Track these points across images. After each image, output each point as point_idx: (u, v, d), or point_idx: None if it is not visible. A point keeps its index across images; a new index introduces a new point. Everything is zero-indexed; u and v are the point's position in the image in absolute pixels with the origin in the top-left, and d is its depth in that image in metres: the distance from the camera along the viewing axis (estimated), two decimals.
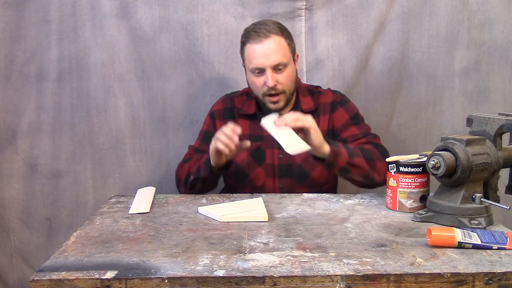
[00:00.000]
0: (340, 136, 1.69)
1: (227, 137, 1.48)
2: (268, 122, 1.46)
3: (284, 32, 1.66)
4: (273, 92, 1.64)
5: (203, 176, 1.62)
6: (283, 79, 1.64)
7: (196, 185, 1.65)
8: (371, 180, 1.57)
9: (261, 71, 1.63)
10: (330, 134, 1.71)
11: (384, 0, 2.00)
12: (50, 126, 2.03)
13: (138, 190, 1.63)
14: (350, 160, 1.49)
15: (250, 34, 1.64)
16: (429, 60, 2.07)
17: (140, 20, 1.99)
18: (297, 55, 1.75)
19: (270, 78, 1.61)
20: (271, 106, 1.67)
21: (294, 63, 1.71)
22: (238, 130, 1.49)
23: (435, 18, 2.04)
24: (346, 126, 1.70)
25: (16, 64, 1.99)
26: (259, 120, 1.67)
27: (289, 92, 1.68)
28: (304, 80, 2.03)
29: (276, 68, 1.63)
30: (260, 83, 1.65)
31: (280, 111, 1.66)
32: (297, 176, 1.70)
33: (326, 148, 1.46)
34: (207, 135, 1.76)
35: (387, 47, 2.05)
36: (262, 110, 1.72)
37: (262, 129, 1.67)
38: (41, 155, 2.04)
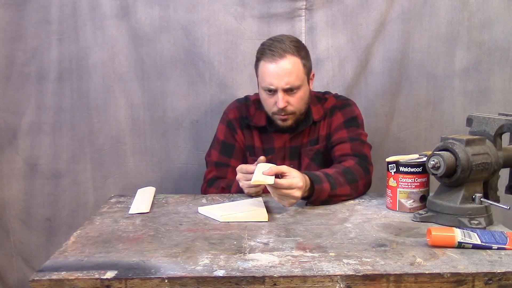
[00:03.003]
0: (331, 139, 1.68)
1: (254, 188, 1.49)
2: (260, 168, 1.40)
3: (301, 52, 1.62)
4: (283, 113, 1.62)
5: None
6: (294, 101, 1.62)
7: None
8: (351, 199, 1.52)
9: (272, 91, 1.61)
10: (327, 138, 1.70)
11: (384, 0, 2.00)
12: (50, 126, 2.03)
13: (138, 190, 1.63)
14: (332, 192, 1.44)
15: (265, 52, 1.60)
16: (429, 60, 2.07)
17: (140, 20, 1.99)
18: (313, 74, 1.71)
19: (281, 100, 1.59)
20: (280, 123, 1.66)
21: (309, 83, 1.67)
22: (253, 169, 1.44)
23: (435, 18, 2.04)
24: (337, 129, 1.68)
25: (17, 64, 1.99)
26: (270, 133, 1.71)
27: (299, 113, 1.65)
28: None
29: (288, 90, 1.60)
30: (271, 102, 1.63)
31: (289, 129, 1.67)
32: None
33: (296, 193, 1.35)
34: (225, 146, 1.74)
35: (387, 47, 2.05)
36: (273, 123, 1.70)
37: (273, 141, 1.68)
38: (41, 155, 2.04)
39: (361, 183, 1.53)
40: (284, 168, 1.37)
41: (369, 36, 2.03)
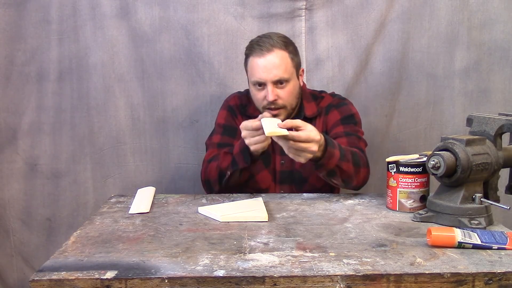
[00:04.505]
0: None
1: (258, 138, 1.46)
2: (267, 122, 1.43)
3: (289, 47, 1.64)
4: (273, 106, 1.62)
5: (242, 167, 1.56)
6: (284, 95, 1.62)
7: (233, 179, 1.61)
8: (349, 184, 1.54)
9: (262, 85, 1.62)
10: None
11: (384, 0, 2.00)
12: (50, 126, 2.04)
13: (138, 190, 1.63)
14: (339, 163, 1.46)
15: (253, 47, 1.62)
16: (429, 60, 2.07)
17: (140, 20, 2.00)
18: (302, 70, 1.73)
19: (270, 93, 1.60)
20: None
21: (298, 78, 1.69)
22: (258, 123, 1.45)
23: (435, 18, 2.04)
24: (334, 126, 1.69)
25: (17, 64, 1.99)
26: None
27: (290, 107, 1.66)
28: (304, 80, 2.03)
29: (277, 83, 1.61)
30: (260, 97, 1.64)
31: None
32: (297, 182, 1.69)
33: (314, 148, 1.37)
34: (227, 128, 1.75)
35: (387, 47, 2.05)
36: None
37: None
38: (41, 155, 2.04)
39: (362, 171, 1.54)
40: (298, 122, 1.37)
41: (369, 36, 2.03)
